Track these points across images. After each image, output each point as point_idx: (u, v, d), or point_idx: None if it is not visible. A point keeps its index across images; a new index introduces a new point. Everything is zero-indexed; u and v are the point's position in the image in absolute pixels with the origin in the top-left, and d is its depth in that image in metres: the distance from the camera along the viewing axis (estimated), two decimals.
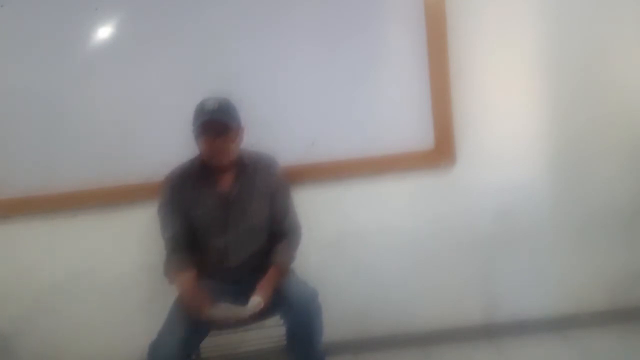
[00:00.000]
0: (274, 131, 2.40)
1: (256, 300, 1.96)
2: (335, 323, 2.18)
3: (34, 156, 2.44)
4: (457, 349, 2.50)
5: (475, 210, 2.51)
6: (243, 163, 2.13)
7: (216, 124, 2.01)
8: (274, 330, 2.14)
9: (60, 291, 2.52)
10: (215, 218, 2.11)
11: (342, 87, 2.41)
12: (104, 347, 2.56)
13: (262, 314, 2.03)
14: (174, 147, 2.26)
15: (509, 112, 2.45)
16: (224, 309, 1.97)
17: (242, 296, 2.03)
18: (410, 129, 2.44)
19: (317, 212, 2.43)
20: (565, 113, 2.46)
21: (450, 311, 2.57)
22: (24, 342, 2.55)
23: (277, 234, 2.17)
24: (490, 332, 2.55)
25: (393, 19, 2.39)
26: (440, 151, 2.44)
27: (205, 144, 2.05)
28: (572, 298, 2.57)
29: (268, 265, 2.09)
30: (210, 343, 2.17)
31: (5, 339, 2.53)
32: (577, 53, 2.42)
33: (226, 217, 2.11)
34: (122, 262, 2.49)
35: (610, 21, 2.40)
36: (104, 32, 2.38)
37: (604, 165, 2.49)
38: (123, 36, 2.38)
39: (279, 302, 2.01)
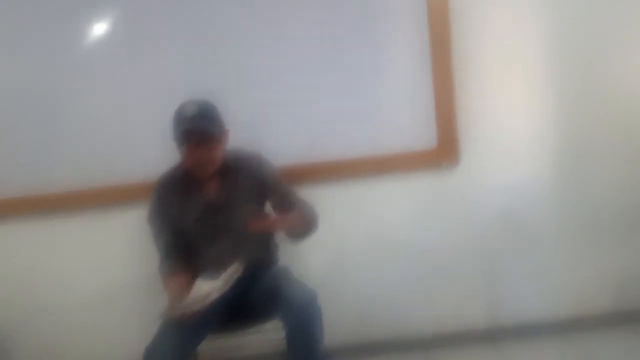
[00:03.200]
0: (274, 131, 2.39)
1: (234, 266, 1.89)
2: (336, 327, 2.14)
3: (33, 156, 2.43)
4: (460, 353, 2.48)
5: (479, 211, 2.48)
6: (228, 166, 2.05)
7: (197, 132, 1.92)
8: (273, 333, 2.11)
9: (59, 291, 2.52)
10: (204, 227, 2.07)
11: (343, 86, 2.39)
12: (101, 349, 2.55)
13: (260, 308, 2.00)
14: (173, 146, 2.23)
15: (513, 111, 2.43)
16: (197, 290, 1.87)
17: (240, 301, 2.01)
18: (412, 128, 2.42)
19: None
20: (570, 112, 2.43)
21: (453, 314, 2.55)
22: (23, 343, 2.55)
23: None
24: (493, 336, 2.53)
25: (396, 14, 2.36)
26: (443, 150, 2.41)
27: (188, 153, 1.98)
28: (576, 301, 2.54)
29: (265, 266, 2.05)
30: (209, 347, 2.15)
31: (4, 339, 2.53)
32: (583, 52, 2.40)
33: (215, 225, 2.06)
34: (121, 263, 2.48)
35: (615, 20, 2.38)
36: (101, 30, 2.36)
37: (609, 165, 2.47)
38: (121, 34, 2.37)
39: (277, 303, 1.98)
